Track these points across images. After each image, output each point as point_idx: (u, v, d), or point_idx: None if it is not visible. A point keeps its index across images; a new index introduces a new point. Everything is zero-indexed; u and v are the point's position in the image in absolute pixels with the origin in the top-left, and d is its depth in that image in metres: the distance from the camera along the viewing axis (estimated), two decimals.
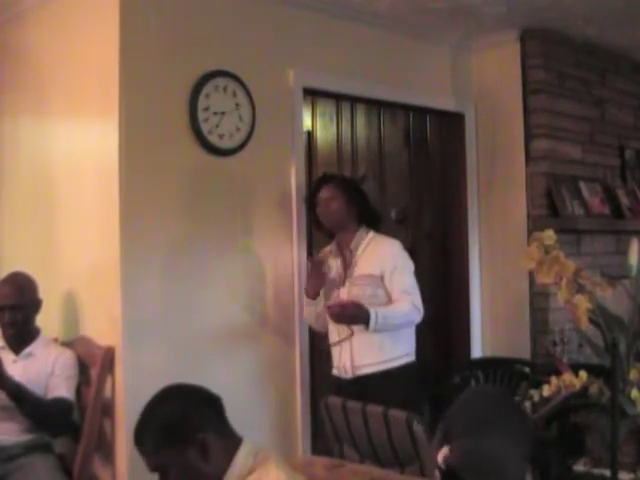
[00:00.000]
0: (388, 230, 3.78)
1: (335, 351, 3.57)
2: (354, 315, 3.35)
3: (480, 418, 1.67)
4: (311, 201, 3.67)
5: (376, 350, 3.43)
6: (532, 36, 4.63)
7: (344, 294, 3.49)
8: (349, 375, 3.48)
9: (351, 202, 3.56)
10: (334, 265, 3.60)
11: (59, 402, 3.32)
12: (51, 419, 3.30)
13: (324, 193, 3.58)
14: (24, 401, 3.19)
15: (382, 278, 3.46)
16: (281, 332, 3.93)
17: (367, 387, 3.40)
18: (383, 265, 3.47)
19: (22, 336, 3.41)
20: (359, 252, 3.53)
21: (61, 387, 3.35)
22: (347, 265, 3.55)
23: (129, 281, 3.39)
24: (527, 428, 1.74)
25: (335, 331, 3.54)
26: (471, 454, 1.62)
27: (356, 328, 3.42)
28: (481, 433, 1.63)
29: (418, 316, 3.48)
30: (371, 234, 3.58)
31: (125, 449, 3.28)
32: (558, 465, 2.74)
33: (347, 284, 3.51)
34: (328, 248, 3.68)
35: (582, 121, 4.90)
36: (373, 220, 3.64)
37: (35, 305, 3.46)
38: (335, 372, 3.57)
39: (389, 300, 3.46)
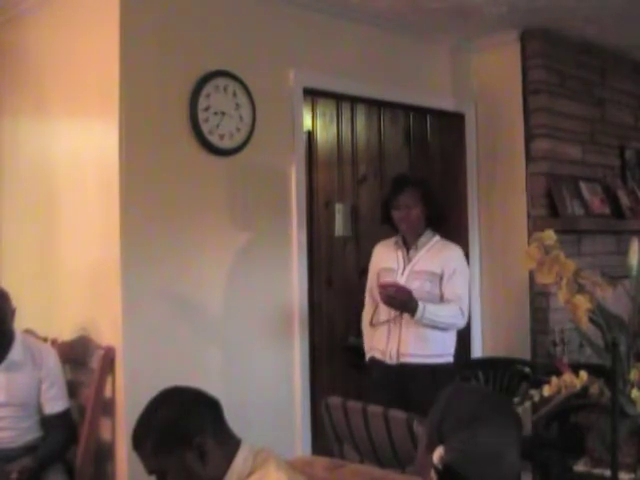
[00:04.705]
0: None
1: (382, 334, 3.62)
2: (404, 301, 3.45)
3: (471, 413, 1.68)
4: (387, 201, 3.69)
5: (424, 343, 3.52)
6: (532, 36, 4.63)
7: (401, 283, 3.57)
8: (394, 361, 3.55)
9: (428, 209, 3.63)
10: (394, 256, 3.67)
11: (63, 419, 3.33)
12: (69, 445, 3.35)
13: (406, 199, 3.61)
14: (49, 462, 3.23)
15: (441, 278, 3.57)
16: (281, 331, 3.93)
17: (409, 377, 3.50)
18: (445, 266, 3.58)
19: (2, 346, 3.29)
20: (424, 250, 3.63)
21: (58, 397, 3.33)
22: (409, 258, 3.63)
23: (129, 281, 3.39)
24: (516, 418, 1.76)
25: (386, 311, 3.60)
26: (469, 448, 1.63)
27: (405, 314, 3.51)
28: (475, 426, 1.64)
29: (462, 322, 3.60)
30: (437, 237, 3.69)
31: (125, 449, 3.28)
32: (558, 465, 2.74)
33: (406, 274, 3.59)
34: (393, 240, 3.73)
35: (582, 121, 4.89)
36: (440, 221, 3.72)
37: (11, 316, 3.31)
38: (379, 356, 3.62)
39: (441, 300, 3.57)
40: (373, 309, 3.72)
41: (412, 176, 3.91)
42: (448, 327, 3.57)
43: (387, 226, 3.75)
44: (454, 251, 3.67)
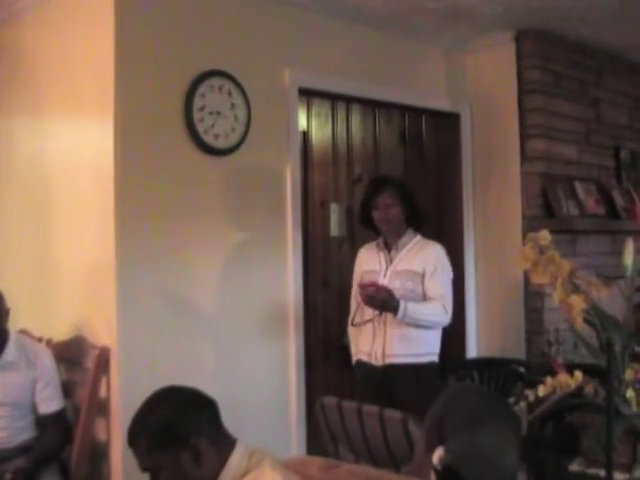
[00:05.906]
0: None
1: (367, 335, 3.62)
2: (385, 300, 3.44)
3: (472, 414, 1.68)
4: (367, 202, 3.70)
5: (407, 342, 3.52)
6: (528, 36, 4.63)
7: (384, 283, 3.56)
8: (379, 363, 3.55)
9: (407, 208, 3.65)
10: (377, 258, 3.68)
11: (58, 419, 3.33)
12: (63, 445, 3.35)
13: (384, 199, 3.62)
14: (44, 462, 3.23)
15: (423, 276, 3.56)
16: (276, 331, 3.93)
17: (394, 377, 3.50)
18: (426, 264, 3.57)
19: None
20: (405, 250, 3.63)
21: (53, 397, 3.34)
22: (391, 259, 3.64)
23: (124, 281, 3.38)
24: (516, 419, 1.76)
25: (369, 311, 3.60)
26: (469, 449, 1.62)
27: (388, 315, 3.51)
28: (476, 427, 1.64)
29: (446, 319, 3.58)
30: (418, 237, 3.69)
31: (120, 449, 3.27)
32: (553, 465, 2.74)
33: (388, 275, 3.59)
34: (374, 243, 3.75)
35: (577, 121, 4.90)
36: (420, 221, 3.73)
37: (5, 316, 3.32)
38: (365, 358, 3.62)
39: (423, 298, 3.56)
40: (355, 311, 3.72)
41: (390, 177, 3.91)
42: (432, 325, 3.56)
43: (368, 229, 3.76)
44: (434, 249, 3.66)
